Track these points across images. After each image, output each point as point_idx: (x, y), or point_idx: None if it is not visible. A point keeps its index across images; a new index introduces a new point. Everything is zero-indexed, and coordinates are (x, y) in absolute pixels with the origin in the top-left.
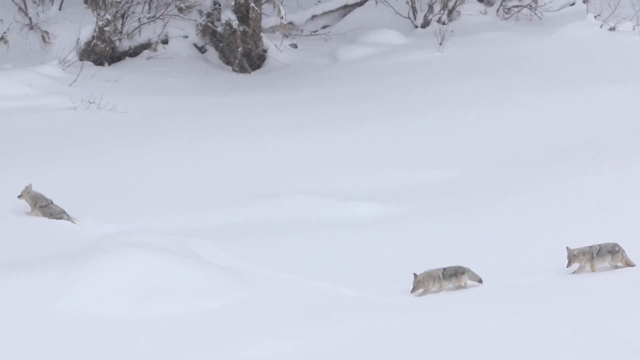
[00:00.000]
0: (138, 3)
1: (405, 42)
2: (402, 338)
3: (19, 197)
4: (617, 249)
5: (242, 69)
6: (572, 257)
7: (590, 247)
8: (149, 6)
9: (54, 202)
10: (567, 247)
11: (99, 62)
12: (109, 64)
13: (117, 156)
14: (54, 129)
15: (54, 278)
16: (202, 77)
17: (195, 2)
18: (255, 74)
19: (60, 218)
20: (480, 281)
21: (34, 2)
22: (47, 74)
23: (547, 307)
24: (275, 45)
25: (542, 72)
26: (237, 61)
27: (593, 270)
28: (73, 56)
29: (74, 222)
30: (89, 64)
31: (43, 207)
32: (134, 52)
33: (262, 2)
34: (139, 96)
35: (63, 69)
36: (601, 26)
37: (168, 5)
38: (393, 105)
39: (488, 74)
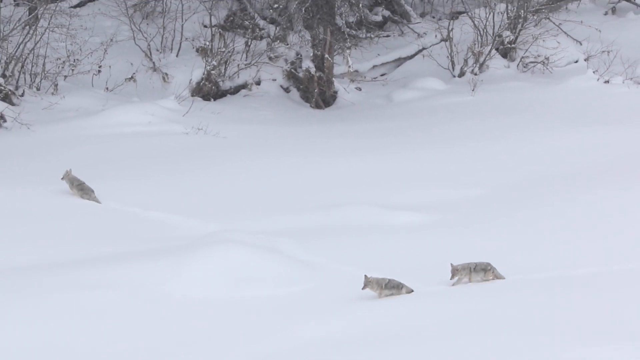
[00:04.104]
0: (238, 52)
1: (445, 88)
2: (435, 319)
3: (62, 179)
4: (489, 267)
5: (317, 106)
6: (455, 271)
7: (469, 264)
8: (247, 55)
9: (86, 182)
10: (451, 264)
11: (206, 98)
12: (214, 100)
13: (218, 171)
14: (171, 150)
15: (167, 266)
16: (286, 111)
17: (282, 53)
18: (328, 110)
19: (92, 192)
20: (410, 292)
21: (157, 50)
22: (166, 106)
23: (563, 298)
24: (344, 88)
25: (551, 114)
26: (314, 100)
27: (470, 281)
28: (186, 93)
29: (98, 202)
30: (198, 99)
31: (78, 185)
32: (234, 90)
33: (334, 54)
34: (237, 125)
35: (178, 103)
36: (598, 79)
37: (261, 55)
38: (434, 137)
39: (509, 115)
